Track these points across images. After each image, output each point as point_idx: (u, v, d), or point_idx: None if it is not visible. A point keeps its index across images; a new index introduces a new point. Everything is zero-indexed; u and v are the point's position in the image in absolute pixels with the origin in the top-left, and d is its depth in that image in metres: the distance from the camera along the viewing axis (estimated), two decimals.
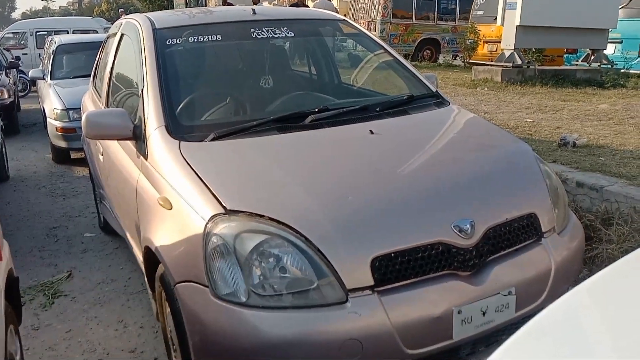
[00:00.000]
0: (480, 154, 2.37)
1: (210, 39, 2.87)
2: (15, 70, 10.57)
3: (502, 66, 8.92)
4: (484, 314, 1.94)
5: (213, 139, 2.31)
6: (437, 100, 2.93)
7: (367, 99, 2.94)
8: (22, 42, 14.67)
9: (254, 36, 2.98)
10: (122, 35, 3.38)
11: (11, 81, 8.92)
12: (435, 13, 17.28)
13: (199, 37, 2.85)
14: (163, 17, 3.10)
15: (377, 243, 1.84)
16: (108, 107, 3.37)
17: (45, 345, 2.89)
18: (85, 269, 3.79)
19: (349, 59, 4.98)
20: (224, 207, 1.90)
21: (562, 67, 10.78)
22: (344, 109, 2.60)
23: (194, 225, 1.94)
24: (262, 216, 1.86)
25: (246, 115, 2.77)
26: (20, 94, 11.44)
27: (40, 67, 8.37)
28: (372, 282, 1.79)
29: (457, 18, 17.53)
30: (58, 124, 6.23)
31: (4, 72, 8.64)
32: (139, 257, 2.61)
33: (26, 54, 14.18)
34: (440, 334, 1.88)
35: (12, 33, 15.33)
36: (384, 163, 2.20)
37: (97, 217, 4.56)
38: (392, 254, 1.83)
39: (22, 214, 4.96)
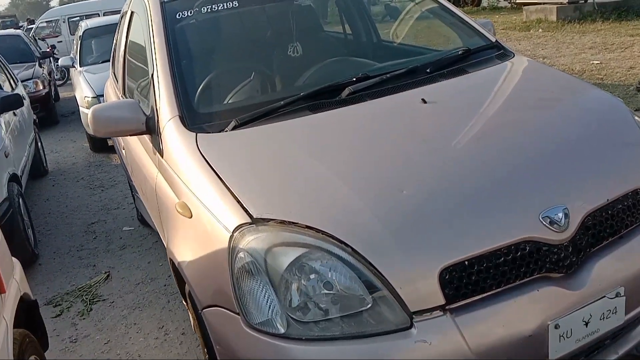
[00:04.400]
0: (564, 119, 1.90)
1: (225, 6, 2.47)
2: (51, 59, 10.52)
3: (556, 3, 8.10)
4: (586, 324, 1.53)
5: (234, 128, 1.94)
6: (498, 52, 2.45)
7: (415, 58, 2.47)
8: (56, 30, 14.67)
9: None
10: (132, 12, 3.02)
11: (46, 71, 8.83)
12: None
13: (213, 6, 2.45)
14: None
15: (446, 249, 1.43)
16: (125, 95, 3.05)
17: None
18: (124, 268, 3.57)
19: (386, 12, 4.47)
20: (250, 215, 1.54)
21: None
22: (388, 75, 2.15)
23: (217, 238, 1.59)
24: (296, 224, 1.49)
25: (274, 93, 2.38)
26: (59, 82, 11.44)
27: (71, 54, 8.20)
28: (442, 300, 1.41)
29: None
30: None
31: (37, 63, 8.53)
32: (168, 258, 2.30)
33: (61, 41, 14.17)
34: (532, 355, 1.48)
35: (46, 22, 15.34)
36: (443, 141, 1.76)
37: (134, 207, 4.35)
38: (466, 262, 1.43)
39: (61, 210, 4.81)
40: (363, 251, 1.42)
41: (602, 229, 1.60)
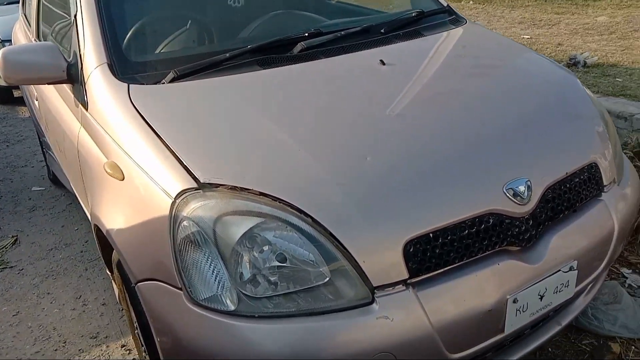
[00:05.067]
0: (523, 90, 1.84)
1: None
2: None
3: None
4: (541, 297, 1.51)
5: (173, 80, 1.72)
6: (450, 17, 2.37)
7: (367, 17, 2.34)
8: None
9: None
10: None
11: None
12: None
13: None
14: None
15: (411, 221, 1.34)
16: (39, 39, 2.69)
17: None
18: (34, 232, 3.24)
19: None
20: (197, 180, 1.36)
21: None
22: (342, 32, 2.01)
23: (156, 204, 1.41)
24: (249, 190, 1.34)
25: (214, 44, 2.16)
26: None
27: None
28: (406, 275, 1.32)
29: None
30: None
31: None
32: (91, 223, 2.06)
33: None
34: (490, 329, 1.45)
35: None
36: (406, 107, 1.65)
37: (45, 166, 3.95)
38: (431, 235, 1.35)
39: None
40: (324, 222, 1.30)
41: (560, 202, 1.58)
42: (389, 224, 1.33)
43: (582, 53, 4.20)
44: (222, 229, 1.31)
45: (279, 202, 1.32)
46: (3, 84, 5.47)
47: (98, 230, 1.76)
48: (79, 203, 2.52)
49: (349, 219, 1.31)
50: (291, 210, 1.31)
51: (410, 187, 1.39)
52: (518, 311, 1.46)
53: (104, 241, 1.74)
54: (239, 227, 1.31)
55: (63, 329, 2.39)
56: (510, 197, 1.45)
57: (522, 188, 1.47)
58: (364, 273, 1.30)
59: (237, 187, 1.34)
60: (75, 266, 2.84)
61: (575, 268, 1.56)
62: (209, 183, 1.36)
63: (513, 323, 1.47)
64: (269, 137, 1.49)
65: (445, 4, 2.47)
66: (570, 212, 1.62)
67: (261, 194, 1.33)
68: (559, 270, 1.52)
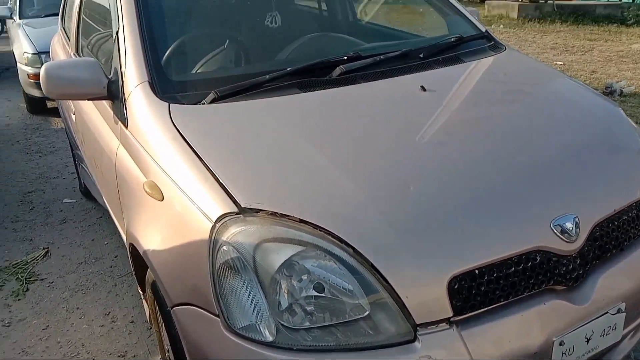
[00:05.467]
0: (569, 121, 1.80)
1: None
2: None
3: (518, 1, 8.17)
4: (587, 340, 1.45)
5: (213, 100, 1.72)
6: (489, 43, 2.33)
7: (406, 41, 2.32)
8: None
9: None
10: None
11: None
12: None
13: None
14: None
15: (456, 256, 1.29)
16: (78, 54, 2.73)
17: (18, 348, 2.40)
18: (65, 244, 3.26)
19: None
20: (237, 204, 1.34)
21: (581, 2, 9.99)
22: (381, 56, 1.99)
23: (196, 227, 1.39)
24: (290, 217, 1.31)
25: (252, 65, 2.17)
26: None
27: (9, 4, 7.50)
28: (450, 312, 1.27)
29: None
30: (30, 70, 5.53)
31: None
32: (126, 241, 2.05)
33: None
34: None
35: None
36: (450, 135, 1.61)
37: (77, 178, 4.00)
38: (476, 271, 1.30)
39: None
40: (366, 252, 1.26)
41: (608, 240, 1.52)
42: (433, 258, 1.29)
43: (618, 81, 4.11)
44: (262, 256, 1.28)
45: (320, 230, 1.29)
46: (38, 94, 5.59)
47: (133, 248, 1.75)
48: (110, 217, 2.53)
49: (391, 251, 1.27)
50: (332, 239, 1.28)
51: (455, 219, 1.35)
52: (564, 354, 1.40)
53: (139, 260, 1.73)
54: (279, 255, 1.28)
55: (91, 345, 2.38)
56: (557, 233, 1.40)
57: (570, 225, 1.42)
58: (406, 308, 1.25)
59: (277, 213, 1.32)
60: (105, 281, 2.85)
61: (623, 310, 1.49)
62: (249, 208, 1.33)
63: None
64: (310, 162, 1.47)
65: (483, 29, 2.44)
66: (618, 251, 1.56)
67: (301, 221, 1.30)
68: (607, 312, 1.46)
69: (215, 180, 1.41)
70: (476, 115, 1.73)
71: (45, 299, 2.72)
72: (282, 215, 1.32)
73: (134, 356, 2.30)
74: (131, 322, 2.50)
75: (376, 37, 2.83)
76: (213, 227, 1.34)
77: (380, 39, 2.72)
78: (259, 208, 1.33)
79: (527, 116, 1.78)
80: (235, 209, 1.33)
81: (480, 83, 1.95)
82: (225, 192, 1.37)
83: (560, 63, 5.16)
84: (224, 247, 1.31)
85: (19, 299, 2.74)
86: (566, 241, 1.41)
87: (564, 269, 1.41)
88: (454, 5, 2.56)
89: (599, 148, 1.71)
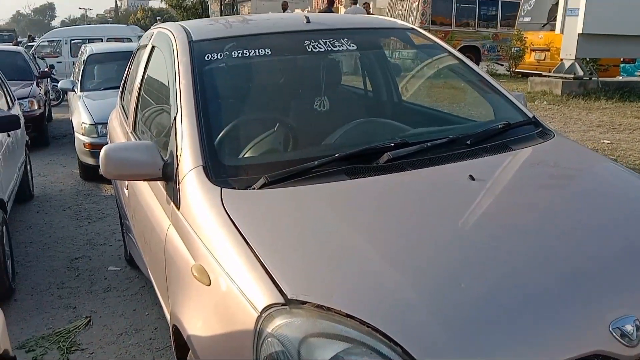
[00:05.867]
0: (624, 216, 1.75)
1: (257, 53, 2.33)
2: (48, 79, 10.35)
3: (562, 78, 8.22)
4: None
5: (263, 185, 1.76)
6: (537, 129, 2.33)
7: (452, 127, 2.35)
8: (57, 50, 14.55)
9: (309, 50, 2.44)
10: (152, 47, 2.88)
11: (42, 91, 8.63)
12: (476, 19, 16.81)
13: (245, 52, 2.32)
14: (201, 27, 2.59)
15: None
16: (135, 132, 2.87)
17: None
18: (107, 313, 3.29)
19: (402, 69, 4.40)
20: (284, 295, 1.34)
21: (626, 78, 9.96)
22: (428, 143, 2.01)
23: (241, 316, 1.39)
24: (337, 311, 1.30)
25: (300, 149, 2.22)
26: (54, 102, 11.23)
27: (72, 78, 8.04)
28: None
29: (499, 24, 16.97)
30: (86, 139, 5.83)
31: (35, 82, 8.34)
32: (169, 322, 2.06)
33: (60, 62, 14.04)
34: None
35: (48, 41, 15.24)
36: (501, 229, 1.59)
37: (123, 246, 4.09)
38: None
39: (44, 241, 4.53)
40: (415, 353, 1.22)
41: None
42: None
43: None
44: (307, 351, 1.26)
45: (367, 327, 1.26)
46: (92, 162, 5.86)
47: (176, 330, 1.75)
48: (152, 287, 2.56)
49: (442, 353, 1.23)
50: (380, 336, 1.25)
51: (507, 321, 1.30)
52: None
53: (181, 341, 1.73)
54: (324, 351, 1.26)
55: None
56: (617, 337, 1.33)
57: (630, 327, 1.35)
58: None
59: (324, 306, 1.31)
60: (143, 354, 2.84)
61: None
62: (296, 299, 1.33)
63: None
64: (359, 254, 1.47)
65: (531, 115, 2.44)
66: None
67: (348, 316, 1.29)
68: None
69: (263, 268, 1.42)
70: (527, 207, 1.71)
71: None
72: (329, 309, 1.30)
73: None
74: None
75: (423, 120, 2.87)
76: (259, 317, 1.34)
77: (426, 122, 2.76)
78: (306, 300, 1.33)
79: (581, 210, 1.74)
80: (282, 300, 1.33)
81: (529, 172, 1.94)
82: (272, 281, 1.38)
83: (607, 142, 5.09)
84: (269, 339, 1.30)
85: None
86: (626, 345, 1.33)
87: None
88: (498, 90, 2.59)
89: None
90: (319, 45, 2.45)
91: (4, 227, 3.58)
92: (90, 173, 6.18)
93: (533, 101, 7.75)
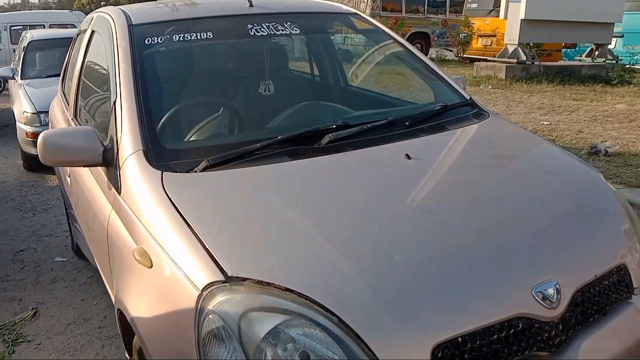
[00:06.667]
0: (549, 188, 1.86)
1: (199, 37, 2.33)
2: None
3: (505, 62, 8.47)
4: None
5: (205, 168, 1.78)
6: (473, 110, 2.43)
7: (393, 109, 2.42)
8: None
9: (252, 33, 2.45)
10: (92, 32, 2.83)
11: None
12: (425, 6, 17.04)
13: (185, 35, 2.31)
14: (141, 11, 2.55)
15: (440, 325, 1.32)
16: (76, 118, 2.81)
17: None
18: (54, 304, 3.24)
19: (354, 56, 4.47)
20: (224, 273, 1.38)
21: (567, 62, 10.35)
22: (369, 124, 2.07)
23: (183, 295, 1.41)
24: (276, 286, 1.34)
25: (244, 132, 2.24)
26: None
27: (12, 65, 7.72)
28: None
29: (448, 11, 17.28)
30: (28, 128, 5.64)
31: None
32: (115, 306, 2.05)
33: (0, 49, 13.40)
34: None
35: None
36: (434, 204, 1.67)
37: (69, 236, 4.01)
38: (460, 339, 1.32)
39: None
40: (351, 322, 1.28)
41: (590, 305, 1.55)
42: (417, 328, 1.31)
43: (603, 141, 4.24)
44: (247, 325, 1.30)
45: (305, 299, 1.31)
46: (35, 152, 5.67)
47: (121, 314, 1.76)
48: (100, 276, 2.54)
49: (376, 321, 1.30)
50: (317, 308, 1.30)
51: (438, 288, 1.38)
52: None
53: (126, 325, 1.74)
54: (264, 324, 1.30)
55: None
56: (539, 300, 1.43)
57: (551, 291, 1.45)
58: None
59: (263, 281, 1.35)
60: (93, 343, 2.82)
61: None
62: (236, 277, 1.36)
63: None
64: (298, 231, 1.51)
65: (467, 97, 2.54)
66: (600, 315, 1.58)
67: (287, 289, 1.33)
68: None
69: (204, 248, 1.44)
70: (459, 183, 1.80)
71: None
72: (269, 284, 1.34)
73: None
74: None
75: (366, 103, 2.93)
76: (200, 295, 1.36)
77: (370, 106, 2.82)
78: (246, 277, 1.36)
79: (510, 184, 1.85)
80: (222, 278, 1.36)
81: (463, 151, 2.03)
82: (212, 260, 1.41)
83: (547, 123, 5.31)
84: (210, 316, 1.33)
85: None
86: (548, 307, 1.43)
87: (546, 335, 1.43)
88: (438, 74, 2.67)
89: (579, 215, 1.77)
90: (262, 29, 2.46)
91: None
92: (33, 163, 5.98)
93: (478, 85, 7.97)
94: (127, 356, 2.01)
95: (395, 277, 1.38)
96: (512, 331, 1.38)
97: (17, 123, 6.00)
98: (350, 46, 3.93)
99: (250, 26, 2.45)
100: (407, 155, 1.88)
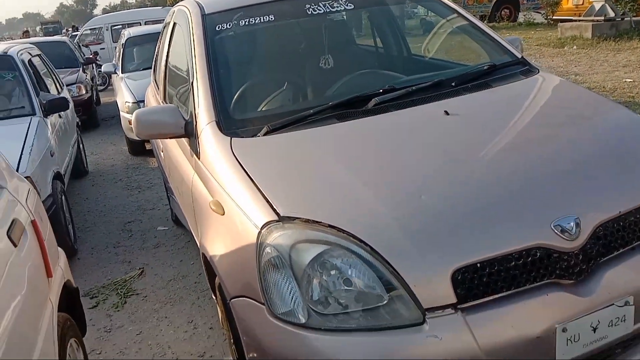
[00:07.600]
0: (582, 132, 1.97)
1: (262, 20, 2.62)
2: (94, 65, 10.96)
3: (592, 21, 8.06)
4: (594, 330, 1.59)
5: (266, 133, 2.08)
6: (523, 68, 2.53)
7: (441, 72, 2.58)
8: (99, 37, 15.23)
9: (309, 13, 2.70)
10: (174, 24, 3.22)
11: (88, 77, 9.21)
12: None
13: (250, 20, 2.61)
14: (213, 1, 2.89)
15: (459, 251, 1.53)
16: (165, 101, 3.23)
17: (117, 349, 2.85)
18: (158, 265, 3.74)
19: (421, 27, 4.58)
20: (278, 214, 1.67)
21: None
22: (413, 87, 2.26)
23: (247, 234, 1.73)
24: (319, 223, 1.61)
25: (305, 102, 2.51)
26: (100, 87, 11.89)
27: (113, 61, 8.54)
28: (454, 299, 1.50)
29: None
30: (130, 117, 6.28)
31: (81, 69, 8.91)
32: (200, 253, 2.43)
33: (103, 48, 14.70)
34: (540, 356, 1.56)
35: (90, 29, 15.95)
36: (462, 151, 1.86)
37: (169, 209, 4.54)
38: (478, 264, 1.52)
39: (99, 209, 5.04)
40: (381, 250, 1.53)
41: (613, 239, 1.67)
42: (438, 254, 1.53)
43: None
44: (296, 254, 1.59)
45: (343, 233, 1.57)
46: (136, 138, 6.32)
47: (204, 257, 2.11)
48: (195, 240, 2.95)
49: (402, 249, 1.53)
50: (353, 240, 1.56)
51: (460, 221, 1.58)
52: (569, 340, 1.56)
53: (209, 268, 2.09)
54: (308, 253, 1.57)
55: (176, 347, 2.77)
56: (557, 232, 1.58)
57: (570, 225, 1.59)
58: (416, 297, 1.49)
59: (309, 219, 1.62)
60: (189, 295, 3.26)
61: (631, 303, 1.62)
62: (287, 216, 1.65)
63: (565, 352, 1.56)
64: (340, 179, 1.77)
65: (519, 55, 2.63)
66: (628, 250, 1.69)
67: (329, 226, 1.60)
68: (613, 304, 1.60)
69: (262, 196, 1.74)
70: (490, 132, 1.96)
71: (139, 310, 3.18)
72: (314, 222, 1.62)
73: (211, 356, 2.66)
74: (210, 329, 2.88)
75: (425, 69, 3.08)
76: (259, 232, 1.66)
77: (424, 71, 2.98)
78: (295, 216, 1.64)
79: (544, 129, 1.98)
80: (276, 218, 1.65)
81: (501, 105, 2.17)
82: (269, 205, 1.70)
83: (629, 80, 5.10)
84: (267, 249, 1.63)
85: (118, 310, 3.21)
86: (566, 239, 1.58)
87: (565, 264, 1.58)
88: (492, 37, 2.77)
89: (612, 157, 1.86)
90: (318, 7, 2.70)
91: (63, 196, 4.07)
92: (137, 148, 6.68)
93: (562, 47, 7.67)
94: (213, 297, 2.38)
95: (421, 213, 1.60)
96: (530, 259, 1.55)
97: (120, 113, 6.70)
98: (434, 17, 4.01)
99: (307, 6, 2.70)
100: (445, 111, 2.06)
